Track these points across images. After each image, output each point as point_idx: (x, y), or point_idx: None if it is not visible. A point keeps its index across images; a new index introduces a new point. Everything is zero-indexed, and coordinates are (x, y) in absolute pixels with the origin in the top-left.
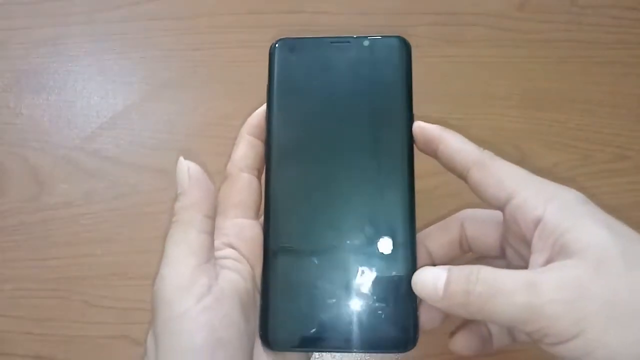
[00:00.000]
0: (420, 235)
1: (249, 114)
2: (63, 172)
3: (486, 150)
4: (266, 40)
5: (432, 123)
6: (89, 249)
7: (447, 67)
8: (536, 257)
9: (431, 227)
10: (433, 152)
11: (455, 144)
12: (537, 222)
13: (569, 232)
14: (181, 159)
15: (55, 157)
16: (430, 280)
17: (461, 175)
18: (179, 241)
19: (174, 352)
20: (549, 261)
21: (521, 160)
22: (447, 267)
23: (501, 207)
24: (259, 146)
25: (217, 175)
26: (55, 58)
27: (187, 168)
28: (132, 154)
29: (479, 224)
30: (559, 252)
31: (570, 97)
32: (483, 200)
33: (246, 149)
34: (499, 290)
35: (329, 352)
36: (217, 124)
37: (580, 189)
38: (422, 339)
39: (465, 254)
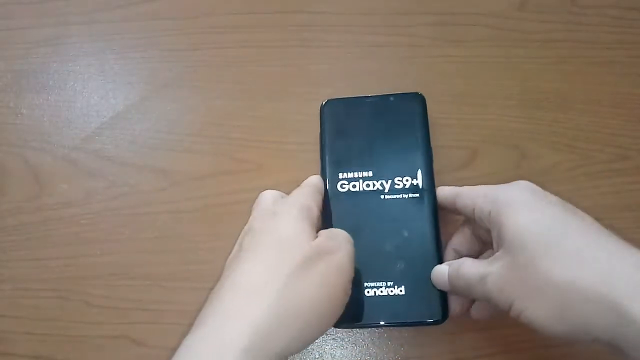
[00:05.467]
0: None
1: (249, 114)
2: (63, 172)
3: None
4: (266, 40)
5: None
6: (89, 249)
7: (447, 67)
8: (494, 246)
9: (455, 234)
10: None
11: (441, 192)
12: (488, 219)
13: (503, 225)
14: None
15: (55, 157)
16: (439, 275)
17: (453, 210)
18: (307, 217)
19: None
20: (497, 249)
21: (521, 160)
22: (449, 262)
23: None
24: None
25: (218, 175)
26: (55, 58)
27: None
28: (132, 154)
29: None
30: (498, 244)
31: (570, 97)
32: (471, 221)
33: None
34: (469, 283)
35: (375, 327)
36: (217, 124)
37: (580, 189)
38: (422, 339)
39: (487, 245)
